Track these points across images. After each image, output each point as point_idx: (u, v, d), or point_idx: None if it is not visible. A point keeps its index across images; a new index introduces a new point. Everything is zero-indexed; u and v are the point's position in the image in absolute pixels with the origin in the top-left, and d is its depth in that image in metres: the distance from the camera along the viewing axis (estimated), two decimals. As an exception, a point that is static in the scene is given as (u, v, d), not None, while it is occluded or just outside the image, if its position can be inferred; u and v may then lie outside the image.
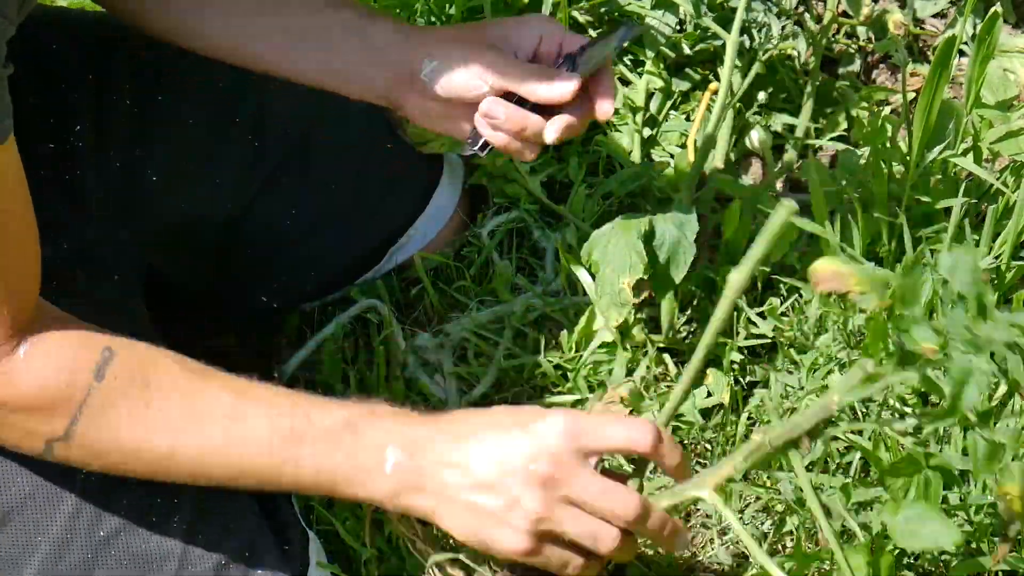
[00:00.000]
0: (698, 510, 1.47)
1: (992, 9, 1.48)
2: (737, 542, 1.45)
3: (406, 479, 1.18)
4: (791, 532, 1.43)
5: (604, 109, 1.38)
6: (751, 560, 1.43)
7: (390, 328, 1.58)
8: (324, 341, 1.59)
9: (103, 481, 1.23)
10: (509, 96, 1.37)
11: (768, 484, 1.45)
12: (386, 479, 1.18)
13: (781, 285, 1.57)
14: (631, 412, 1.49)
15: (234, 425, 1.18)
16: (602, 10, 1.80)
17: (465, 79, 1.37)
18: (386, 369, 1.54)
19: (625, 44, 1.52)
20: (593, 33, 1.78)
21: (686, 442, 1.50)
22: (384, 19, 1.44)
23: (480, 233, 1.68)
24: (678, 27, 1.77)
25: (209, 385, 1.19)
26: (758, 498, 1.45)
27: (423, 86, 1.38)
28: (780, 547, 1.44)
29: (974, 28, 1.76)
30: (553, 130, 1.36)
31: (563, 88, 1.35)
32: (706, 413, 1.52)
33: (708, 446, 1.50)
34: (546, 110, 1.37)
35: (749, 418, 1.50)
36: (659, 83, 1.77)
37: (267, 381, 1.57)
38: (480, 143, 1.39)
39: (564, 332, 1.58)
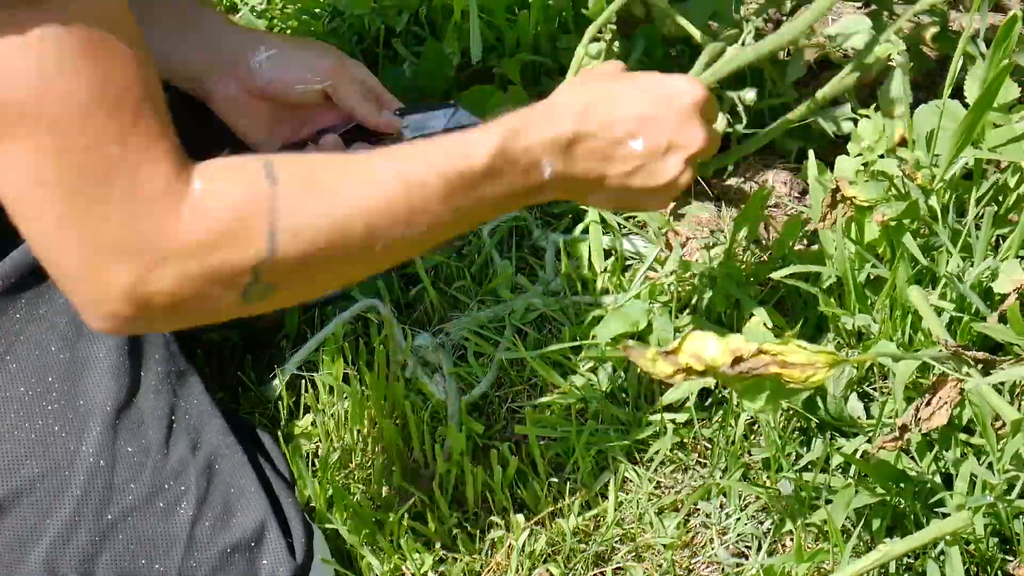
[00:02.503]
0: (698, 510, 1.47)
1: (1012, 13, 1.48)
2: (737, 542, 1.45)
3: (564, 183, 1.27)
4: (791, 532, 1.43)
5: None
6: (751, 560, 1.43)
7: (390, 328, 1.58)
8: (324, 341, 1.59)
9: (110, 465, 1.24)
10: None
11: (768, 484, 1.45)
12: (550, 183, 1.26)
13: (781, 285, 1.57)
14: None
15: (409, 182, 1.17)
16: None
17: (299, 73, 1.44)
18: (386, 369, 1.54)
19: (454, 126, 1.51)
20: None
21: (685, 441, 1.50)
22: (222, 16, 1.48)
23: (480, 232, 1.68)
24: None
25: (359, 158, 1.19)
26: (758, 498, 1.45)
27: (247, 74, 1.43)
28: (780, 547, 1.44)
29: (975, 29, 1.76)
30: None
31: (390, 123, 1.46)
32: (706, 412, 1.52)
33: (707, 445, 1.50)
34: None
35: (750, 418, 1.50)
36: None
37: (267, 379, 1.59)
38: None
39: (564, 331, 1.58)
